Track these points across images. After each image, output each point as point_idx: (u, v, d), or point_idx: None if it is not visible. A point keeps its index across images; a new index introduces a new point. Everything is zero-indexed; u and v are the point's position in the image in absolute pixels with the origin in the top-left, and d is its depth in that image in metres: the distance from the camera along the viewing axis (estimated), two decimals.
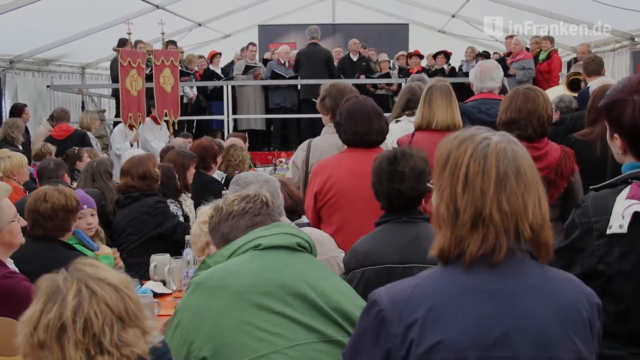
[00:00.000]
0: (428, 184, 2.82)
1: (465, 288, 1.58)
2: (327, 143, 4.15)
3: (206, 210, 3.00)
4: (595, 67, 6.42)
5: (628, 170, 2.15)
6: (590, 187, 2.27)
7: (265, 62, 12.48)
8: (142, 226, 4.60)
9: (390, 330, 1.58)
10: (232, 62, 12.72)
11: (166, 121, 9.64)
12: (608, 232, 2.06)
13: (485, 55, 12.44)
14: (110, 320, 1.57)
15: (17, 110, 9.42)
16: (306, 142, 4.31)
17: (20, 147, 8.06)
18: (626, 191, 2.06)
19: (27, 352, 1.59)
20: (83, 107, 11.65)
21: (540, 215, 1.59)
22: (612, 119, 2.20)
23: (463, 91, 6.88)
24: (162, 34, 9.77)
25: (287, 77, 11.77)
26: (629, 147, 2.18)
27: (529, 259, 1.60)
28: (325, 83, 4.33)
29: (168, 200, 4.87)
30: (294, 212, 3.51)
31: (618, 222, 2.03)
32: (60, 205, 3.65)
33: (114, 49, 8.77)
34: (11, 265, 3.32)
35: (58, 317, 1.55)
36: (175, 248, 4.24)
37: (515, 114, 3.46)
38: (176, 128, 9.95)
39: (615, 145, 2.22)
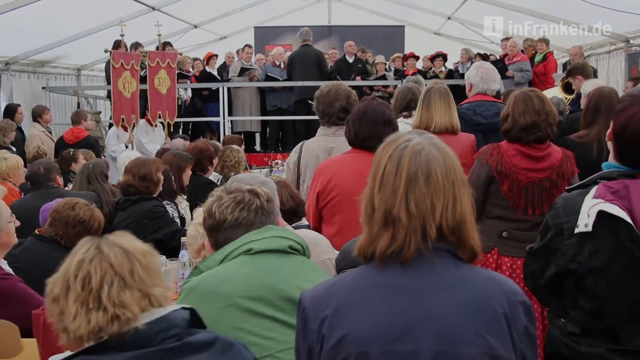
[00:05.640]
0: None
1: (374, 284, 1.62)
2: (317, 145, 4.18)
3: (203, 212, 2.98)
4: (589, 70, 6.52)
5: (606, 169, 2.22)
6: (566, 188, 2.35)
7: None
8: (140, 230, 4.55)
9: (309, 327, 1.64)
10: (225, 64, 12.69)
11: (162, 123, 9.61)
12: (576, 231, 2.12)
13: (484, 56, 12.46)
14: (110, 278, 1.63)
15: (10, 111, 9.40)
16: (300, 144, 4.34)
17: (14, 149, 8.02)
18: (593, 191, 2.13)
19: (48, 306, 1.69)
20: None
21: (453, 218, 1.60)
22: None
23: (459, 93, 6.88)
24: (159, 35, 9.76)
25: (281, 79, 11.78)
26: (614, 147, 2.23)
27: (445, 259, 1.61)
28: (324, 85, 4.31)
29: (165, 202, 4.86)
30: (295, 213, 3.48)
31: (584, 221, 2.10)
32: (81, 220, 3.71)
33: (105, 51, 8.76)
34: (5, 266, 3.32)
35: (65, 272, 1.66)
36: (172, 251, 4.23)
37: (535, 117, 3.47)
38: (172, 130, 9.93)
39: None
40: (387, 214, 1.60)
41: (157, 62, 9.42)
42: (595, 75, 7.40)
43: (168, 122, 9.65)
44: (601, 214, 2.07)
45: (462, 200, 1.62)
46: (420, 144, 1.63)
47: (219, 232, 2.28)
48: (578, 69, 6.69)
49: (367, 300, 1.60)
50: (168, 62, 9.61)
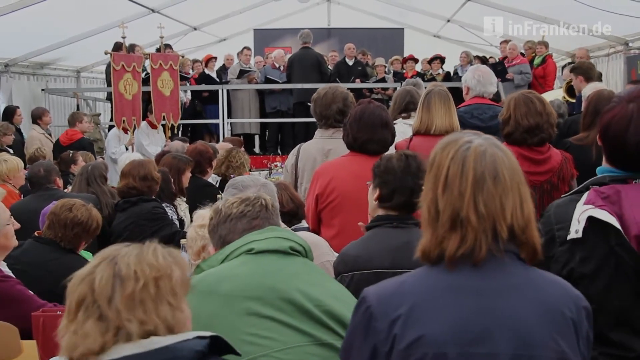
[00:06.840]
0: None
1: (447, 285, 1.61)
2: (314, 147, 4.19)
3: (203, 213, 2.99)
4: (593, 73, 6.47)
5: (599, 174, 2.21)
6: (562, 195, 2.36)
7: None
8: (139, 231, 4.57)
9: (376, 326, 1.61)
10: (224, 66, 12.69)
11: (163, 125, 9.61)
12: (568, 238, 2.13)
13: (483, 59, 12.45)
14: (87, 304, 1.54)
15: (9, 112, 9.40)
16: (297, 146, 4.35)
17: (11, 151, 8.01)
18: (585, 197, 2.13)
19: None
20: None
21: (522, 218, 1.62)
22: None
23: (458, 95, 6.89)
24: (161, 37, 9.76)
25: (280, 81, 11.78)
26: (602, 148, 2.23)
27: (513, 260, 1.62)
28: (321, 88, 4.31)
29: (164, 204, 4.86)
30: (295, 215, 3.49)
31: (575, 228, 2.10)
32: (80, 221, 3.71)
33: (106, 53, 8.75)
34: (4, 268, 3.32)
35: (70, 284, 1.59)
36: None
37: (538, 118, 3.48)
38: (175, 132, 9.92)
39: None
40: (455, 215, 1.60)
41: (160, 64, 9.40)
42: (600, 79, 7.35)
43: (171, 124, 9.65)
44: (591, 220, 2.07)
45: (528, 200, 1.65)
46: (482, 145, 1.64)
47: (224, 225, 2.31)
48: (582, 69, 6.53)
49: (441, 301, 1.59)
50: (171, 64, 9.60)
